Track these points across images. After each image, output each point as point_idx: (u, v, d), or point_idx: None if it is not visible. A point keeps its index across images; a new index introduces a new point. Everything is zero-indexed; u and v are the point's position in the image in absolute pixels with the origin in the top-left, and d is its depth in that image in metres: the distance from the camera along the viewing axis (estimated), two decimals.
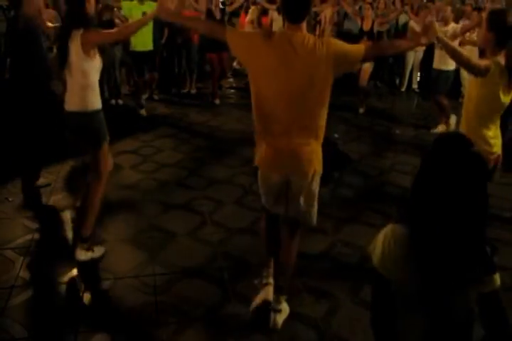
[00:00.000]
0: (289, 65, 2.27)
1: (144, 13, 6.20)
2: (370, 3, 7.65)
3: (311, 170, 2.42)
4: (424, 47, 8.25)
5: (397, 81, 9.18)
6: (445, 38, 2.81)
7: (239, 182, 4.49)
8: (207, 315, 2.76)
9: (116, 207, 3.96)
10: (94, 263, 3.20)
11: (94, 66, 3.07)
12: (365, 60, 2.42)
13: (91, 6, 3.04)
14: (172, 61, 8.13)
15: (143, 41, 6.34)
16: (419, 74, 8.93)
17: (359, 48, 2.38)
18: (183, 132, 5.92)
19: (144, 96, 7.24)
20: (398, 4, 8.50)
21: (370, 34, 7.13)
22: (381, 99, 8.14)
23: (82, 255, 3.20)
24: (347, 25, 8.47)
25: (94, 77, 3.11)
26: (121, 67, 7.23)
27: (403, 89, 8.95)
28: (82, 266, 3.17)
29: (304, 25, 2.34)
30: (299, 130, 2.36)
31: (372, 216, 4.03)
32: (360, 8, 8.07)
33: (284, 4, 2.32)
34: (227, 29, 2.44)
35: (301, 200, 2.50)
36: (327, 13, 8.26)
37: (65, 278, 3.07)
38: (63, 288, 3.00)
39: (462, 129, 3.10)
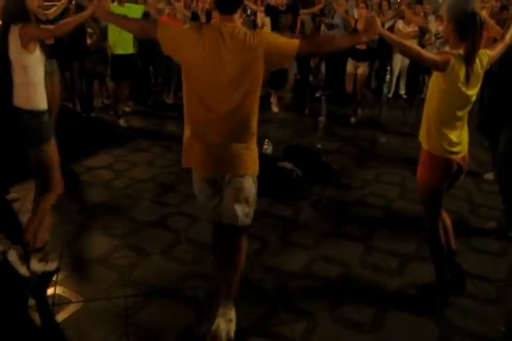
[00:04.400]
0: (219, 56, 2.39)
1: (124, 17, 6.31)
2: (365, 2, 7.80)
3: (243, 169, 2.57)
4: None
5: (384, 87, 9.36)
6: (389, 33, 2.79)
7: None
8: (180, 336, 2.82)
9: (87, 226, 4.03)
10: (63, 285, 3.25)
11: (35, 60, 3.16)
12: (300, 54, 2.50)
13: (32, 2, 3.16)
14: (148, 70, 8.23)
15: (123, 44, 6.48)
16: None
17: (293, 42, 2.49)
18: (158, 145, 6.00)
19: (128, 109, 7.37)
20: (385, 7, 8.64)
21: None
22: (367, 107, 8.26)
23: (35, 265, 3.28)
24: (334, 34, 8.49)
25: (37, 73, 3.19)
26: (94, 78, 7.31)
27: (390, 96, 9.12)
28: (50, 287, 3.22)
29: (237, 16, 2.46)
30: (231, 125, 2.49)
31: (355, 229, 4.14)
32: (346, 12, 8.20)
33: None
34: (159, 27, 2.52)
35: (233, 199, 2.63)
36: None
37: (31, 302, 3.12)
38: (30, 311, 3.04)
39: (422, 129, 3.04)
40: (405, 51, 2.83)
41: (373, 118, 7.78)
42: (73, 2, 6.45)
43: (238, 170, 2.58)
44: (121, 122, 6.76)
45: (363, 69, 7.27)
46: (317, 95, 8.94)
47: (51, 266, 3.36)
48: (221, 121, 2.49)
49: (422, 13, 8.69)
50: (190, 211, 4.28)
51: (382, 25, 8.31)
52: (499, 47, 3.05)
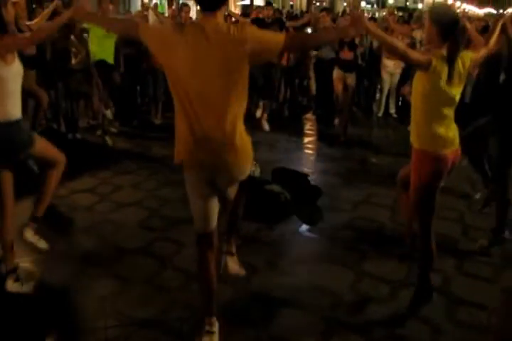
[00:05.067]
0: (203, 54, 2.37)
1: (105, 17, 6.33)
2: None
3: (241, 166, 2.64)
4: (400, 70, 8.55)
5: (374, 106, 9.41)
6: (376, 29, 2.87)
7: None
8: None
9: (68, 253, 3.95)
10: (39, 315, 3.17)
11: (13, 72, 3.15)
12: (286, 49, 2.52)
13: (8, 13, 3.16)
14: (134, 89, 8.23)
15: (103, 51, 6.50)
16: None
17: (279, 36, 2.49)
18: (144, 167, 5.96)
19: (113, 129, 7.35)
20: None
21: (351, 44, 7.30)
22: (356, 126, 8.30)
23: (10, 285, 3.32)
24: (321, 53, 8.61)
25: (14, 84, 3.19)
26: (79, 98, 7.29)
27: (380, 115, 9.16)
28: (25, 317, 3.13)
29: (220, 14, 2.44)
30: (221, 122, 2.47)
31: (344, 254, 4.09)
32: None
33: None
34: (139, 25, 2.52)
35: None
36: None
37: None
38: None
39: (412, 129, 3.18)
40: (392, 48, 2.96)
41: (363, 138, 7.80)
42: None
43: (236, 173, 2.66)
44: (108, 140, 6.74)
45: (350, 80, 7.33)
46: (307, 114, 9.00)
47: (26, 288, 3.36)
48: (212, 113, 2.48)
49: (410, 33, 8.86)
50: (176, 236, 4.23)
51: (371, 43, 8.51)
52: (482, 52, 3.24)
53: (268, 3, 8.30)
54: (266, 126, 7.86)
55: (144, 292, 3.47)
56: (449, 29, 2.93)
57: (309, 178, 5.37)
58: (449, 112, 3.07)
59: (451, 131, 3.12)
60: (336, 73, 7.42)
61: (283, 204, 4.73)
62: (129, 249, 4.03)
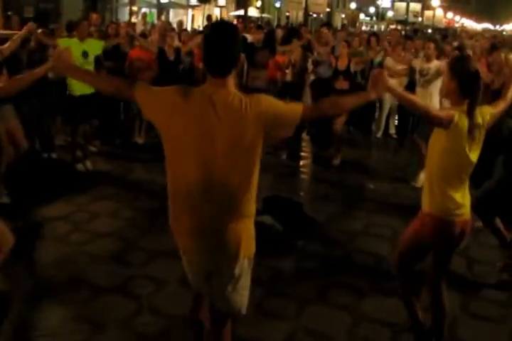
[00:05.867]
0: (209, 129, 2.19)
1: (84, 53, 6.21)
2: (346, 41, 7.90)
3: (239, 253, 2.34)
4: (402, 88, 8.48)
5: (373, 126, 9.34)
6: (398, 89, 2.87)
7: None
8: None
9: (35, 292, 3.75)
10: None
11: None
12: (303, 121, 2.35)
13: None
14: (117, 106, 8.09)
15: (84, 85, 6.28)
16: (396, 118, 9.11)
17: (296, 109, 2.32)
18: (124, 193, 5.81)
19: (93, 149, 7.19)
20: (374, 43, 8.79)
21: (347, 73, 7.25)
22: (354, 147, 8.23)
23: None
24: (319, 70, 8.54)
25: None
26: (56, 114, 7.14)
27: (379, 135, 9.08)
28: None
29: (231, 80, 2.25)
30: (224, 208, 2.28)
31: (341, 294, 3.96)
32: (333, 48, 8.28)
33: (205, 53, 2.24)
34: (136, 86, 2.32)
35: (229, 289, 2.40)
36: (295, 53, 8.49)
37: None
38: None
39: (425, 188, 3.07)
40: (414, 108, 2.95)
41: (361, 161, 7.74)
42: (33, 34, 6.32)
43: (233, 255, 2.35)
44: (80, 167, 6.50)
45: None
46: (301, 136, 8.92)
47: None
48: (211, 203, 2.28)
49: (413, 50, 8.84)
50: (155, 273, 4.06)
51: (371, 62, 8.49)
52: (501, 105, 3.17)
53: (258, 27, 8.25)
54: None
55: (117, 338, 3.29)
56: (470, 85, 2.87)
57: (303, 207, 5.24)
58: (466, 177, 3.00)
59: (466, 199, 3.03)
60: None
61: (274, 237, 4.57)
62: (103, 288, 3.85)
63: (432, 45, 6.87)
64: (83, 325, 3.41)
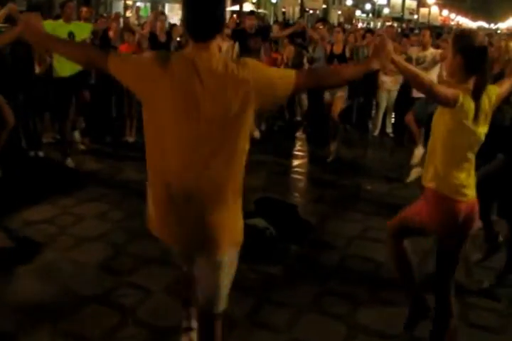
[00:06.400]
0: (193, 98, 1.96)
1: (70, 33, 5.98)
2: (343, 29, 7.79)
3: (223, 242, 2.16)
4: (398, 87, 8.34)
5: (369, 124, 9.16)
6: (403, 61, 2.59)
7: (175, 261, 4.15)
8: None
9: (13, 303, 3.53)
10: None
11: None
12: (297, 90, 2.11)
13: None
14: (108, 102, 7.86)
15: (70, 68, 6.06)
16: (393, 116, 8.96)
17: (289, 75, 2.09)
18: (113, 194, 5.57)
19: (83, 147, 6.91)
20: (369, 38, 8.64)
21: (342, 57, 7.06)
22: (351, 146, 8.05)
23: None
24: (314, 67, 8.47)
25: None
26: (44, 110, 6.90)
27: (376, 134, 8.93)
28: None
29: (215, 44, 2.02)
30: (208, 186, 2.06)
31: (336, 302, 3.76)
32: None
33: (185, 13, 2.02)
34: (109, 55, 2.09)
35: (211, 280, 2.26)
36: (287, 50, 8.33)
37: None
38: None
39: (426, 173, 2.89)
40: (417, 82, 2.69)
41: (357, 160, 7.55)
42: None
43: (217, 245, 2.16)
44: (69, 162, 6.33)
45: (340, 93, 7.05)
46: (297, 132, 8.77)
47: None
48: (196, 179, 2.05)
49: (409, 46, 8.67)
50: (142, 281, 3.84)
51: (367, 56, 8.31)
52: (507, 84, 2.94)
53: (251, 13, 8.02)
54: (256, 133, 7.56)
55: None
56: (477, 61, 2.67)
57: (298, 209, 5.04)
58: (472, 156, 2.81)
59: (471, 179, 2.84)
60: (327, 96, 7.21)
61: (268, 241, 4.36)
62: (86, 297, 3.62)
63: (427, 33, 6.74)
64: (62, 338, 3.18)
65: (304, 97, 9.21)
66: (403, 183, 6.39)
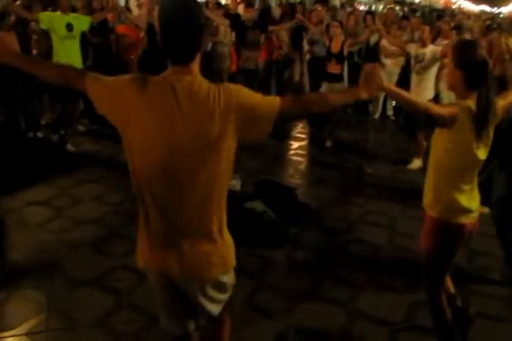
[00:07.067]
0: (171, 126, 1.81)
1: (68, 25, 5.81)
2: (340, 22, 7.51)
3: (212, 275, 2.04)
4: (399, 70, 8.13)
5: (370, 107, 9.00)
6: (394, 88, 2.44)
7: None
8: None
9: (7, 284, 3.45)
10: None
11: None
12: (283, 116, 1.94)
13: None
14: None
15: (69, 61, 5.89)
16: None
17: (273, 101, 1.92)
18: (111, 176, 5.44)
19: (81, 128, 6.90)
20: (369, 21, 8.40)
21: (340, 56, 6.89)
22: (351, 129, 7.91)
23: None
24: (315, 50, 8.29)
25: None
26: (43, 92, 6.74)
27: (376, 117, 8.78)
28: None
29: (196, 65, 1.86)
30: (191, 220, 1.93)
31: (335, 288, 3.67)
32: (328, 26, 7.89)
33: (161, 39, 1.83)
34: (87, 76, 1.93)
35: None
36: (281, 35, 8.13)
37: None
38: None
39: (427, 196, 2.76)
40: (413, 108, 2.54)
41: (358, 143, 7.41)
42: None
43: (209, 276, 2.05)
44: (70, 147, 6.21)
45: (338, 88, 6.87)
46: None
47: None
48: (177, 210, 1.93)
49: (409, 28, 8.45)
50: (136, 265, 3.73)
51: (367, 44, 8.13)
52: (511, 97, 2.75)
53: (249, 5, 7.75)
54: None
55: (92, 337, 2.99)
56: (478, 76, 2.50)
57: (297, 192, 4.92)
58: (473, 177, 2.68)
59: (473, 201, 2.69)
60: (325, 87, 7.01)
61: (266, 225, 4.25)
62: (80, 280, 3.55)
63: (427, 29, 6.36)
64: (55, 321, 3.11)
65: (306, 80, 9.04)
66: (403, 165, 6.27)
